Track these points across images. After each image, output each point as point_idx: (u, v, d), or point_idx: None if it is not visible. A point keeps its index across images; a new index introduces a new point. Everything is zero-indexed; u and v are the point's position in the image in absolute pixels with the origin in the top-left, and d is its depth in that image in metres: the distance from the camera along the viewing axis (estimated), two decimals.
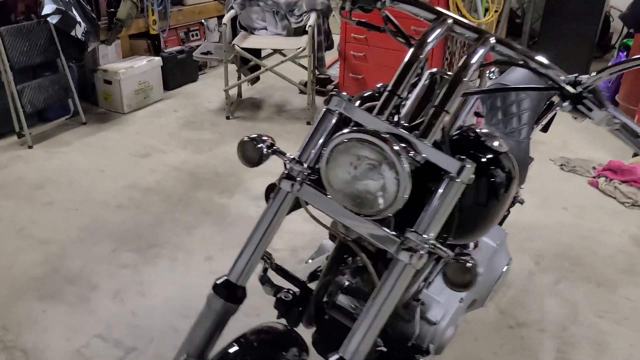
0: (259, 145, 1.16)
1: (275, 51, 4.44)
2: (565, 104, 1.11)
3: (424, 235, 1.04)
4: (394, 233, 1.07)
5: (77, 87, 3.94)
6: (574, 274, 2.53)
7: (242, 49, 3.97)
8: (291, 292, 1.60)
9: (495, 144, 1.23)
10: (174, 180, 3.23)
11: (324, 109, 1.16)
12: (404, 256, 1.04)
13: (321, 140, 1.16)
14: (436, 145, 1.04)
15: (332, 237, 1.55)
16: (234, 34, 4.39)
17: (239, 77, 4.49)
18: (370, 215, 1.06)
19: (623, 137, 1.13)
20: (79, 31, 3.65)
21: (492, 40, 1.14)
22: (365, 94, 1.32)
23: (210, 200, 3.02)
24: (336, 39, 4.76)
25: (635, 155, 3.57)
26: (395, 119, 1.13)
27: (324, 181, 1.08)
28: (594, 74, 1.08)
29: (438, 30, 1.15)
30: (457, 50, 3.96)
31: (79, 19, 3.66)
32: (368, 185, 1.02)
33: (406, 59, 1.12)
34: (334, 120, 1.15)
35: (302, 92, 4.59)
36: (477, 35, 1.16)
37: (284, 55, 4.34)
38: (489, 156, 1.23)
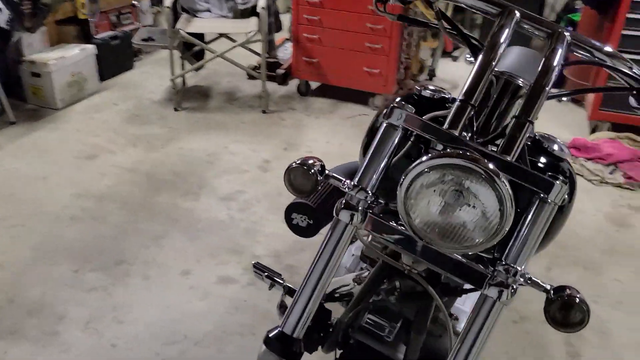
0: (312, 172, 0.97)
1: (221, 35, 4.16)
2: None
3: (517, 268, 0.91)
4: (481, 267, 0.93)
5: None
6: (563, 259, 2.51)
7: (188, 34, 3.66)
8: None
9: (556, 148, 1.11)
10: (129, 184, 2.93)
11: (385, 124, 0.99)
12: (493, 292, 0.91)
13: (384, 162, 0.99)
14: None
15: (365, 257, 1.39)
16: (175, 17, 4.05)
17: (183, 65, 4.18)
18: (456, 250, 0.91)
19: None
20: (1, 19, 3.22)
21: (568, 36, 1.00)
22: (410, 100, 1.17)
23: (174, 205, 2.76)
24: (283, 18, 4.54)
25: (593, 131, 3.63)
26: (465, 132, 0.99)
27: (402, 213, 0.91)
28: None
29: (507, 30, 1.00)
30: (415, 31, 3.85)
31: (0, 5, 3.22)
32: (463, 217, 0.87)
33: (477, 64, 0.97)
34: (397, 137, 0.99)
35: (251, 77, 4.34)
36: (550, 31, 1.02)
37: (231, 39, 4.07)
38: (555, 163, 1.11)
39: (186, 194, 2.86)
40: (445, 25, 1.10)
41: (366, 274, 1.36)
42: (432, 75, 4.60)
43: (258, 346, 1.07)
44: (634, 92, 1.02)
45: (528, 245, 0.93)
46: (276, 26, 4.16)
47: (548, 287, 0.91)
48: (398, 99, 1.16)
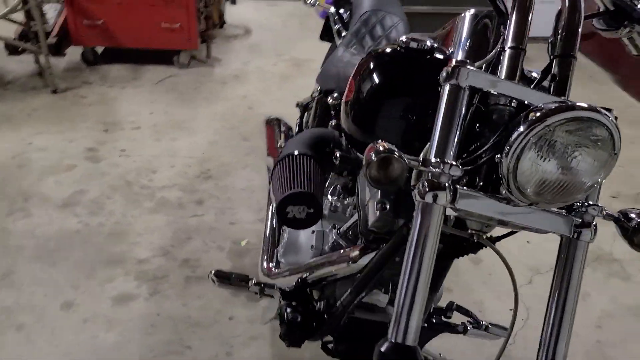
0: (404, 158, 0.83)
1: None
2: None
3: (597, 204, 0.92)
4: (565, 213, 0.92)
5: None
6: None
7: None
8: (295, 309, 1.32)
9: None
10: None
11: (448, 86, 0.88)
12: (586, 235, 0.91)
13: (458, 129, 0.88)
14: None
15: (369, 232, 1.26)
16: None
17: None
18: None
19: None
20: None
21: None
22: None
23: (3, 230, 2.19)
24: None
25: None
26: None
27: (508, 181, 0.83)
28: None
29: None
30: None
31: None
32: (579, 167, 0.83)
33: (517, 6, 0.91)
34: (465, 98, 0.88)
35: (13, 52, 3.58)
36: None
37: None
38: None
39: (11, 212, 2.29)
40: None
41: (356, 252, 1.25)
42: (222, 22, 4.37)
43: None
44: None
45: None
46: None
47: (620, 216, 0.93)
48: (439, 55, 1.04)
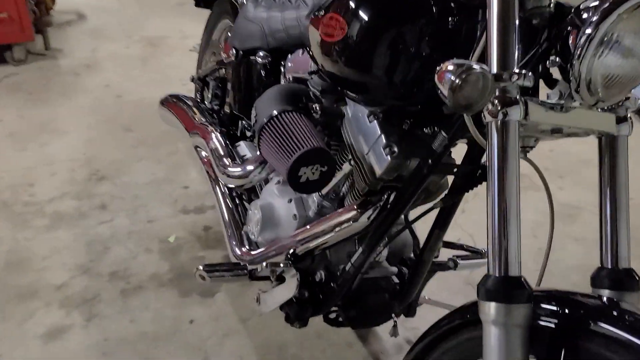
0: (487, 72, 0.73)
1: None
2: None
3: (630, 95, 0.93)
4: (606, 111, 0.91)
5: None
6: None
7: None
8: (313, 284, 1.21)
9: None
10: None
11: None
12: (625, 129, 0.92)
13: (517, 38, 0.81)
14: None
15: (376, 181, 1.15)
16: None
17: None
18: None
19: None
20: None
21: None
22: None
23: None
24: None
25: None
26: None
27: (579, 82, 0.79)
28: None
29: None
30: None
31: None
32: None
33: None
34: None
35: None
36: None
37: None
38: None
39: None
40: None
41: (360, 209, 1.16)
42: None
43: None
44: None
45: None
46: None
47: None
48: None
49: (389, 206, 1.14)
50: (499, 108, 0.78)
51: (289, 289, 1.18)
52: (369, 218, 1.15)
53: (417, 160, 1.06)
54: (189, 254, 1.89)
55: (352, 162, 1.15)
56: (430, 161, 1.02)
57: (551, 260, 1.89)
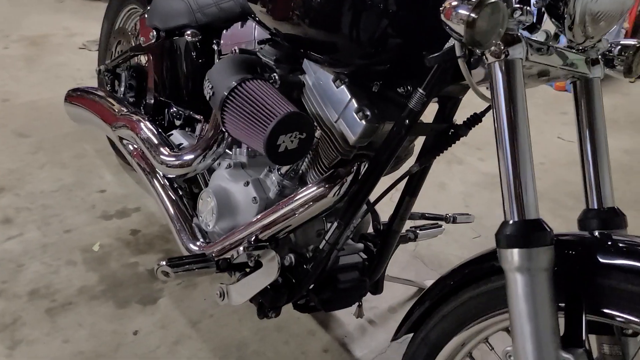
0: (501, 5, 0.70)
1: None
2: None
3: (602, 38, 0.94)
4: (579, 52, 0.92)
5: None
6: None
7: None
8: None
9: None
10: None
11: None
12: (598, 71, 0.93)
13: None
14: None
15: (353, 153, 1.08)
16: None
17: None
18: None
19: None
20: None
21: None
22: None
23: None
24: None
25: None
26: None
27: (573, 19, 0.78)
28: None
29: None
30: None
31: None
32: None
33: None
34: None
35: None
36: None
37: None
38: None
39: None
40: None
41: (331, 182, 1.09)
42: None
43: None
44: None
45: None
46: None
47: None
48: None
49: (361, 176, 1.08)
50: (502, 47, 0.75)
51: (268, 274, 1.08)
52: (339, 192, 1.09)
53: (391, 123, 1.02)
54: (119, 261, 1.71)
55: (318, 133, 1.08)
56: (407, 122, 0.98)
57: (486, 227, 1.95)
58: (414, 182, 1.19)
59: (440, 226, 1.50)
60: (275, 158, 0.94)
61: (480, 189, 2.22)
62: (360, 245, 1.30)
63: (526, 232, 0.74)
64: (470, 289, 0.87)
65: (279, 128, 0.91)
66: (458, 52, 0.80)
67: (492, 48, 0.75)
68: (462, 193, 2.19)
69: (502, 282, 0.78)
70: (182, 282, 1.64)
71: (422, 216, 1.40)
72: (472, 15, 0.68)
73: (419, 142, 1.12)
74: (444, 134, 1.10)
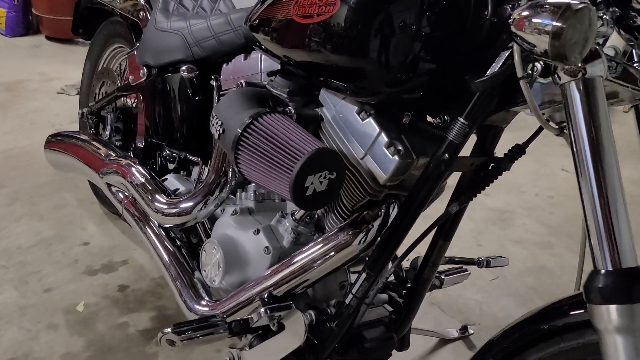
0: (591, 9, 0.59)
1: None
2: None
3: None
4: None
5: None
6: None
7: None
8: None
9: None
10: None
11: None
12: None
13: None
14: None
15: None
16: None
17: None
18: None
19: None
20: None
21: None
22: None
23: None
24: None
25: None
26: None
27: None
28: None
29: None
30: None
31: None
32: None
33: None
34: None
35: None
36: None
37: None
38: None
39: None
40: None
41: (358, 227, 0.96)
42: None
43: None
44: None
45: None
46: None
47: None
48: None
49: (392, 219, 0.95)
50: (580, 64, 0.64)
51: (293, 338, 0.93)
52: (364, 238, 0.96)
53: (424, 158, 0.90)
54: (107, 322, 1.53)
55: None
56: (446, 156, 0.86)
57: (503, 268, 1.81)
58: (448, 224, 1.06)
59: (466, 270, 1.36)
60: (302, 202, 0.81)
61: (489, 225, 2.11)
62: (385, 297, 1.17)
63: (625, 283, 0.62)
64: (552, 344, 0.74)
65: (307, 168, 0.78)
66: (519, 73, 0.69)
67: (567, 66, 0.64)
68: (472, 230, 2.07)
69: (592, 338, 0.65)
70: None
71: (450, 260, 1.27)
72: (558, 24, 0.57)
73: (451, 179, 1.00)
74: (483, 169, 0.99)
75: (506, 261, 1.30)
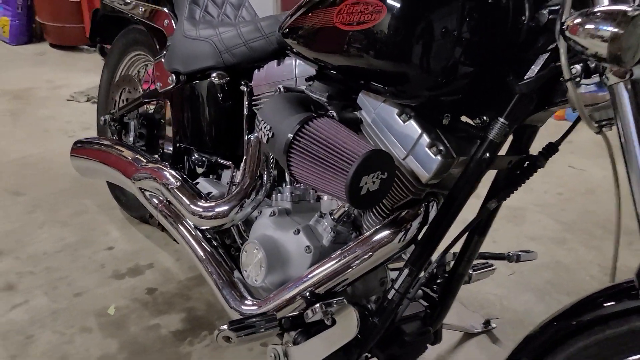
0: None
1: None
2: None
3: None
4: None
5: None
6: None
7: None
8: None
9: None
10: None
11: None
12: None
13: None
14: None
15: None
16: None
17: None
18: None
19: None
20: None
21: None
22: None
23: None
24: None
25: None
26: None
27: None
28: None
29: None
30: None
31: None
32: None
33: None
34: None
35: None
36: None
37: None
38: None
39: None
40: None
41: (399, 224, 1.00)
42: None
43: None
44: None
45: None
46: None
47: None
48: None
49: (433, 217, 0.99)
50: (627, 68, 0.68)
51: (345, 332, 0.97)
52: (404, 236, 1.00)
53: (464, 157, 0.94)
54: (138, 324, 1.56)
55: None
56: (487, 155, 0.90)
57: (520, 263, 1.85)
58: (483, 221, 1.11)
59: (493, 265, 1.41)
60: (357, 202, 0.85)
61: (504, 223, 2.15)
62: (419, 292, 1.20)
63: None
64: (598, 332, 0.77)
65: (362, 169, 0.82)
66: (566, 75, 0.73)
67: (615, 68, 0.68)
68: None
69: None
70: (210, 343, 1.51)
71: (481, 255, 1.31)
72: (616, 30, 0.61)
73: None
74: (519, 166, 1.03)
75: (535, 255, 1.35)
